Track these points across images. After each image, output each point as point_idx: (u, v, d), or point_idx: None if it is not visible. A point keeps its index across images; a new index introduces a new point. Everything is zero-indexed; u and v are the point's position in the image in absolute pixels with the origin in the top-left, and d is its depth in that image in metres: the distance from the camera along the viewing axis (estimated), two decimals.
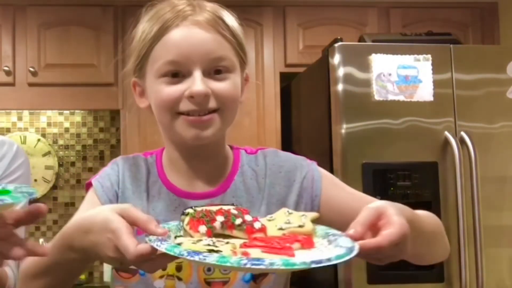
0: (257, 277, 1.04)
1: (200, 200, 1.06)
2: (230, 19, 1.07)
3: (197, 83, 0.99)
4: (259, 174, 1.10)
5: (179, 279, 1.03)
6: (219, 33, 1.02)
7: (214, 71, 1.02)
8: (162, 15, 1.03)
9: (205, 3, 1.07)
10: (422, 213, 1.01)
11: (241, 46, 1.06)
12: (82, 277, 3.19)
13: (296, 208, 1.07)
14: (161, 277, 1.03)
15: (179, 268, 1.03)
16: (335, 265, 2.78)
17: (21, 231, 1.42)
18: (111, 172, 1.10)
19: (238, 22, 1.09)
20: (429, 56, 2.49)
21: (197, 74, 1.00)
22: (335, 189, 1.12)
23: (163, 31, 1.01)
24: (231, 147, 1.15)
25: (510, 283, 2.47)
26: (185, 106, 1.00)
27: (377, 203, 0.88)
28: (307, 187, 1.09)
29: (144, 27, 1.05)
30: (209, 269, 1.03)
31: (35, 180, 3.36)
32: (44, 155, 3.45)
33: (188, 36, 1.01)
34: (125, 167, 1.10)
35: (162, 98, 1.01)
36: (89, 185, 1.11)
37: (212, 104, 1.01)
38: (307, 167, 1.11)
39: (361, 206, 1.02)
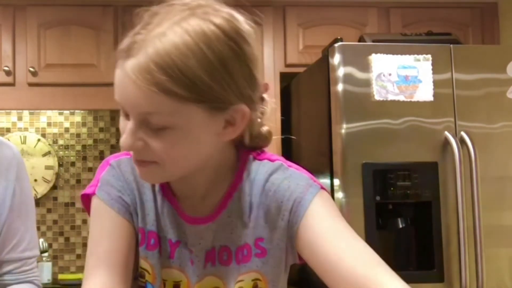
0: None
1: (197, 225, 0.98)
2: (185, 56, 0.83)
3: (124, 135, 0.87)
4: (253, 192, 0.97)
5: None
6: (153, 84, 0.82)
7: None
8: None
9: (160, 30, 0.85)
10: None
11: (203, 92, 0.85)
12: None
13: (283, 235, 0.96)
14: None
15: (177, 287, 1.01)
16: None
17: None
18: (112, 179, 0.99)
19: (209, 51, 0.85)
20: (429, 56, 2.49)
21: (130, 124, 0.87)
22: (318, 219, 0.92)
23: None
24: (240, 150, 1.02)
25: (510, 283, 2.47)
26: None
27: None
28: (291, 211, 0.94)
29: None
30: None
31: (35, 180, 3.36)
32: (44, 155, 3.45)
33: (119, 84, 0.87)
34: (128, 167, 0.99)
35: (120, 129, 0.91)
36: (84, 197, 1.01)
37: (148, 157, 0.88)
38: (301, 189, 0.94)
39: (339, 246, 0.88)
